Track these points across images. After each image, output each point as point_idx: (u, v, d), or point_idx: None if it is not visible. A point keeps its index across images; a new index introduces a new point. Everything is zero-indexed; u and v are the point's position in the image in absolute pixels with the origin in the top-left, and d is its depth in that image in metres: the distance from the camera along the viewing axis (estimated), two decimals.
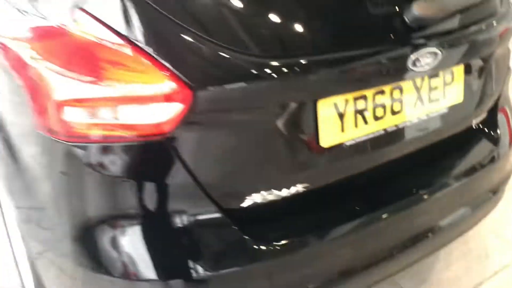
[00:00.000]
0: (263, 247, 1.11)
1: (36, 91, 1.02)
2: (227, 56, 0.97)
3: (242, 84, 0.99)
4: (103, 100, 0.97)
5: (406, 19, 1.12)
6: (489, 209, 1.62)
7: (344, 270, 1.25)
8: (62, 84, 0.97)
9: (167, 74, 0.95)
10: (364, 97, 1.16)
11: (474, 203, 1.52)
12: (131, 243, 1.06)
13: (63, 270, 1.15)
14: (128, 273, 1.06)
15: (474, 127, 1.54)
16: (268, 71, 1.00)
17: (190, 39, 0.96)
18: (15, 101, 1.16)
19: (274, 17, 1.04)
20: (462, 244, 2.05)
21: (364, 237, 1.25)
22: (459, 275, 1.91)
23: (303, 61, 1.03)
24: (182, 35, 0.97)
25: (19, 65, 1.07)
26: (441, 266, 1.96)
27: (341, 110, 1.14)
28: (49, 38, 1.03)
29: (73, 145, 1.00)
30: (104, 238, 1.06)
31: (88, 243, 1.07)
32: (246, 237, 1.10)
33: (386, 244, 1.31)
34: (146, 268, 1.06)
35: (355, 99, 1.15)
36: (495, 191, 1.59)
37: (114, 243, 1.06)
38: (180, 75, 0.95)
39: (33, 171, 1.12)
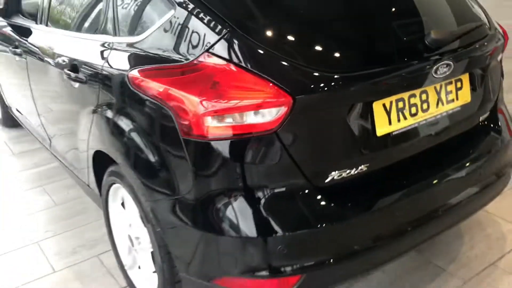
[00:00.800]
0: (341, 211, 1.53)
1: (183, 110, 1.47)
2: (314, 73, 1.43)
3: (324, 92, 1.44)
4: (233, 110, 1.41)
5: (427, 42, 1.60)
6: (499, 190, 2.04)
7: (396, 230, 1.66)
8: (206, 102, 1.42)
9: (275, 88, 1.40)
10: (402, 99, 1.62)
11: (487, 182, 1.94)
12: (244, 209, 1.47)
13: (188, 235, 1.56)
14: (240, 232, 1.46)
15: (481, 123, 1.99)
16: (341, 82, 1.46)
17: (288, 64, 1.43)
18: (159, 121, 1.59)
19: (345, 45, 1.54)
20: (481, 230, 2.46)
21: (410, 204, 1.68)
22: (483, 252, 2.30)
23: (365, 75, 1.49)
24: (282, 61, 1.43)
25: (168, 95, 1.52)
26: (466, 247, 2.36)
27: (388, 108, 1.59)
28: (192, 71, 1.49)
29: (211, 142, 1.44)
30: (223, 206, 1.48)
31: (211, 212, 1.49)
32: (330, 204, 1.52)
33: (427, 209, 1.73)
34: (255, 228, 1.46)
35: (397, 100, 1.61)
36: (503, 174, 2.02)
37: (230, 210, 1.48)
38: (283, 87, 1.40)
39: (176, 166, 1.55)
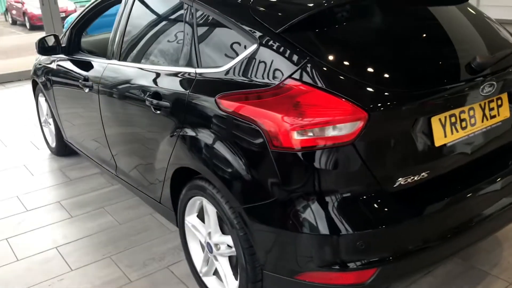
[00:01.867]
0: (408, 212, 1.78)
1: (272, 126, 1.74)
2: (385, 92, 1.71)
3: (394, 108, 1.71)
4: (315, 125, 1.68)
5: (474, 65, 1.88)
6: None
7: (454, 228, 1.90)
8: (292, 119, 1.69)
9: (351, 105, 1.67)
10: (454, 115, 1.89)
11: None
12: (327, 211, 1.72)
13: (275, 236, 1.81)
14: (326, 230, 1.71)
15: None
16: (408, 99, 1.74)
17: (362, 84, 1.71)
18: (247, 136, 1.84)
19: (409, 68, 1.85)
20: None
21: (463, 207, 1.92)
22: None
23: (426, 93, 1.78)
24: (357, 82, 1.71)
25: (257, 114, 1.79)
26: (507, 253, 2.57)
27: (443, 122, 1.85)
28: (278, 94, 1.77)
29: (298, 153, 1.70)
30: (308, 208, 1.73)
31: (296, 213, 1.74)
32: (398, 206, 1.76)
33: (480, 212, 1.96)
34: (339, 226, 1.71)
35: (450, 115, 1.87)
36: None
37: (308, 210, 1.73)
38: (359, 105, 1.67)
39: (265, 174, 1.80)
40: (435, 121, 1.83)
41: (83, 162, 4.13)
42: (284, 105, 1.74)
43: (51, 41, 3.54)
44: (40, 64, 4.04)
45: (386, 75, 1.80)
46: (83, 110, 3.34)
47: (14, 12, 17.41)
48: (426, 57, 1.92)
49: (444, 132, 1.86)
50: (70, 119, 3.66)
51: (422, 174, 1.83)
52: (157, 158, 2.47)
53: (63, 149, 4.21)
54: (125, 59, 2.77)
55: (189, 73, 2.20)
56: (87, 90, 3.06)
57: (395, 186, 1.79)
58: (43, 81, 3.95)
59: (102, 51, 3.31)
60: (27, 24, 16.29)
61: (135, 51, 2.70)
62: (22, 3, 16.23)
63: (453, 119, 1.89)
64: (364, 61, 1.82)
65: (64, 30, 4.94)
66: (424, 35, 2.02)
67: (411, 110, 1.77)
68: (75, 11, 13.18)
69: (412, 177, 1.81)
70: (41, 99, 4.28)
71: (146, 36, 2.65)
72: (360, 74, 1.75)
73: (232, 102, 1.90)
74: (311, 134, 1.70)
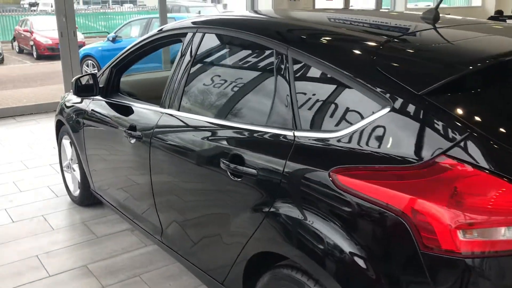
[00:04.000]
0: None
1: (423, 220, 1.32)
2: None
3: None
4: (487, 223, 1.26)
5: None
6: None
7: None
8: (456, 212, 1.28)
9: None
10: None
11: None
12: None
13: None
14: None
15: None
16: None
17: None
18: (379, 227, 1.43)
19: None
20: None
21: None
22: None
23: None
24: None
25: (398, 200, 1.37)
26: None
27: None
28: (428, 175, 1.35)
29: (465, 259, 1.27)
30: None
31: None
32: None
33: None
34: None
35: None
36: None
37: None
38: None
39: (403, 280, 1.38)
40: None
41: (110, 214, 3.66)
42: (439, 191, 1.32)
43: (84, 79, 3.14)
44: (68, 103, 3.64)
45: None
46: (123, 162, 2.91)
47: (21, 40, 17.20)
48: None
49: None
50: (103, 169, 3.22)
51: None
52: (227, 233, 2.02)
53: (87, 199, 3.75)
54: (189, 111, 2.35)
55: (284, 136, 1.78)
56: (133, 140, 2.64)
57: None
58: (71, 122, 3.53)
59: (146, 95, 2.92)
60: (34, 53, 16.02)
61: (205, 103, 2.30)
62: (31, 32, 16.02)
63: None
64: None
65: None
66: None
67: None
68: (84, 43, 12.93)
69: None
70: (65, 142, 3.86)
71: (220, 85, 2.25)
72: None
73: (355, 179, 1.49)
74: (483, 234, 1.28)
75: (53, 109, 5.52)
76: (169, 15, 8.31)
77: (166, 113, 2.46)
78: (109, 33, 12.27)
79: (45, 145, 5.51)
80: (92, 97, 3.19)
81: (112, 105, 3.04)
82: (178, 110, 2.40)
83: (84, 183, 3.63)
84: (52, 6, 15.60)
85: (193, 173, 2.22)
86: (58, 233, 3.45)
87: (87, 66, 10.72)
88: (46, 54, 15.27)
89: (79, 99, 3.53)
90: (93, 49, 10.95)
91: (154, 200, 2.58)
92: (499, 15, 10.67)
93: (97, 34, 16.98)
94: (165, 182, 2.47)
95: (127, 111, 2.85)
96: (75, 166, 3.76)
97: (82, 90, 3.09)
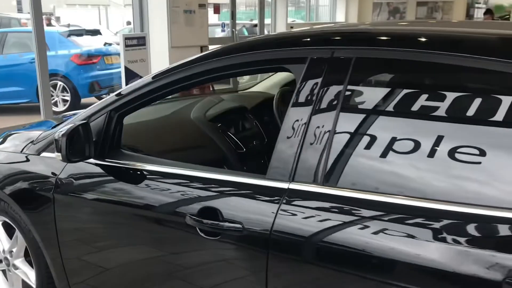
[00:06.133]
0: None
1: None
2: None
3: None
4: None
5: None
6: None
7: None
8: None
9: None
10: None
11: None
12: None
13: None
14: None
15: None
16: None
17: None
18: None
19: None
20: None
21: None
22: None
23: None
24: None
25: None
26: None
27: None
28: None
29: None
30: None
31: None
32: None
33: None
34: None
35: None
36: None
37: None
38: None
39: None
40: None
41: None
42: None
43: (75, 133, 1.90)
44: (5, 166, 2.29)
45: None
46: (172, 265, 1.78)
47: None
48: None
49: None
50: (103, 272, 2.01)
51: None
52: None
53: None
54: (353, 185, 1.41)
55: None
56: (206, 235, 1.58)
57: None
58: (20, 196, 2.21)
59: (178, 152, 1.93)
60: None
61: (393, 176, 1.39)
62: None
63: None
64: None
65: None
66: None
67: None
68: None
69: None
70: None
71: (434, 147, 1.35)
72: None
73: None
74: None
75: None
76: None
77: (293, 189, 1.47)
78: None
79: None
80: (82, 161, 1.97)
81: (129, 173, 1.90)
82: (323, 185, 1.44)
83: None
84: None
85: None
86: None
87: None
88: None
89: (23, 158, 2.25)
90: None
91: None
92: None
93: None
94: None
95: (176, 183, 1.76)
96: (19, 263, 2.39)
97: (76, 154, 1.87)
